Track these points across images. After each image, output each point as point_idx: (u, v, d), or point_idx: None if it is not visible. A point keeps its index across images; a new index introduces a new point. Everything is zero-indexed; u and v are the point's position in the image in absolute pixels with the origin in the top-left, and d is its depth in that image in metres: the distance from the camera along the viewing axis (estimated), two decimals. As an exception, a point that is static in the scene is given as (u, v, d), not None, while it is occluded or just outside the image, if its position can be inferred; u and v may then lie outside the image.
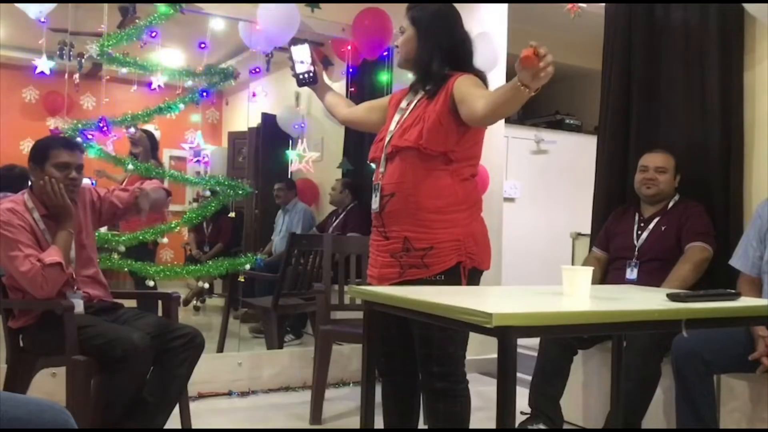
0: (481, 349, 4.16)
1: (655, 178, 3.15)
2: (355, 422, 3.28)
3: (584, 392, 3.35)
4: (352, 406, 3.68)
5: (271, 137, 5.92)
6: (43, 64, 3.73)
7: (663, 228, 3.12)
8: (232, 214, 4.47)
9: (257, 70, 4.59)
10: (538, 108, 6.03)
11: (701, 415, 2.52)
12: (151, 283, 4.01)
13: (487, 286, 2.50)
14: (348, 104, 2.58)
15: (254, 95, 5.11)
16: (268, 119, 5.96)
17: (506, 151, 5.36)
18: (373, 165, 2.35)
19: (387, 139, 2.26)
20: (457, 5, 2.30)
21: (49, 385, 3.06)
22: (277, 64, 4.35)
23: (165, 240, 4.24)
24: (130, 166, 4.25)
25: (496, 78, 4.34)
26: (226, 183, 4.36)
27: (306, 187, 5.85)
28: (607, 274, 3.26)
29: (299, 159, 4.71)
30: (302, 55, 2.49)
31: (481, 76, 2.23)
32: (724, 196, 3.14)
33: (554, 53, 1.73)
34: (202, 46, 4.11)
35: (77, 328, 2.51)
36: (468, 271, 2.16)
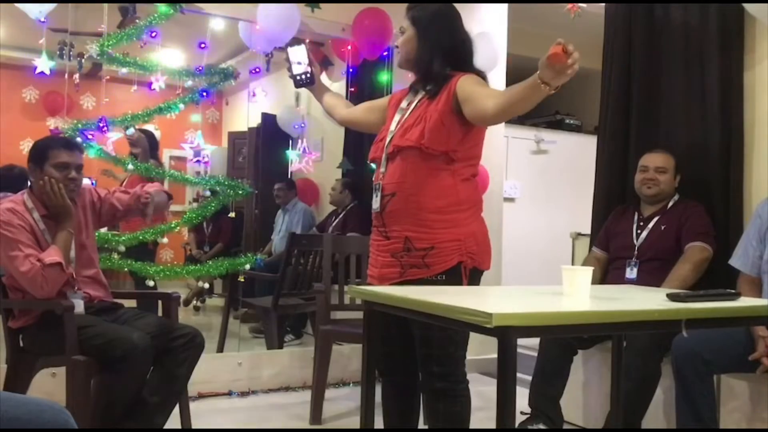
0: (481, 349, 4.16)
1: (656, 178, 3.15)
2: (355, 422, 3.28)
3: (584, 392, 3.35)
4: (352, 406, 3.68)
5: (271, 137, 5.92)
6: (43, 64, 3.73)
7: (663, 228, 3.12)
8: (232, 214, 4.47)
9: (257, 70, 4.59)
10: (538, 108, 5.97)
11: (701, 415, 2.52)
12: (151, 283, 4.01)
13: (487, 286, 2.49)
14: (346, 105, 2.58)
15: (254, 95, 5.10)
16: (268, 119, 5.96)
17: (506, 151, 5.36)
18: (373, 165, 2.35)
19: (388, 139, 2.26)
20: (457, 5, 2.30)
21: (49, 385, 3.06)
22: (277, 64, 4.35)
23: (165, 240, 4.24)
24: (130, 166, 4.25)
25: (496, 78, 4.35)
26: (226, 183, 4.36)
27: (306, 187, 5.86)
28: (607, 273, 3.26)
29: (299, 159, 4.72)
30: (299, 56, 2.49)
31: (482, 76, 2.23)
32: (724, 196, 3.14)
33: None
34: (202, 46, 4.11)
35: (77, 328, 2.51)
36: (469, 271, 2.16)
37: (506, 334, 1.44)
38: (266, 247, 5.71)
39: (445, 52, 2.22)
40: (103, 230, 3.70)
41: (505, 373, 1.46)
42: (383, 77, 4.56)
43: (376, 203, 2.25)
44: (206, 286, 5.08)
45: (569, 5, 4.28)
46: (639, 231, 3.17)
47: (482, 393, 3.37)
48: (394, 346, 2.30)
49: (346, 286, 3.56)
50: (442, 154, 2.16)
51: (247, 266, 4.39)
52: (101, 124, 3.97)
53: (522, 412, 3.01)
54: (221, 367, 3.82)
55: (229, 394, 3.79)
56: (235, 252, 5.44)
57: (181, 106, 4.23)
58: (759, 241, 2.72)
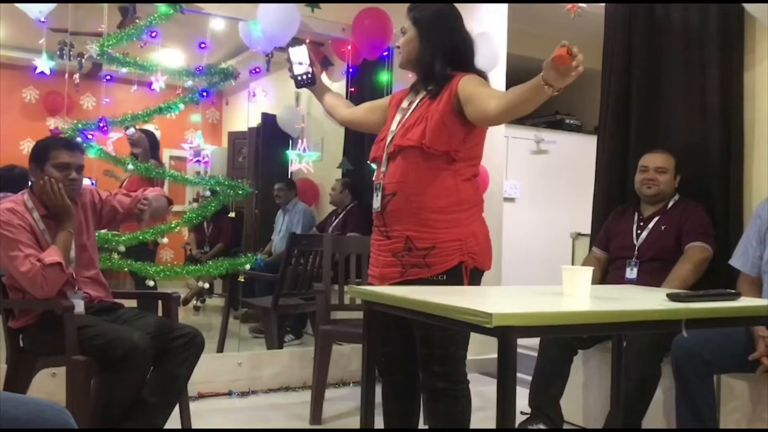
0: (481, 349, 4.16)
1: (656, 179, 3.15)
2: (355, 422, 3.28)
3: (584, 392, 3.35)
4: (352, 406, 3.68)
5: (271, 137, 5.92)
6: (43, 64, 3.73)
7: (663, 228, 3.12)
8: (232, 214, 4.47)
9: (257, 70, 4.59)
10: (538, 108, 5.99)
11: (701, 415, 2.52)
12: (151, 283, 4.02)
13: (487, 286, 2.49)
14: (347, 105, 2.58)
15: (254, 95, 5.10)
16: (268, 119, 5.96)
17: (506, 151, 5.36)
18: (373, 165, 2.35)
19: (389, 138, 2.26)
20: (457, 5, 2.30)
21: (49, 385, 3.06)
22: (277, 64, 4.35)
23: (165, 240, 4.24)
24: (130, 166, 4.25)
25: (496, 78, 4.35)
26: (226, 183, 4.36)
27: (306, 187, 5.86)
28: (607, 274, 3.26)
29: (299, 159, 4.71)
30: (300, 56, 2.49)
31: (483, 76, 2.23)
32: (724, 196, 3.14)
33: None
34: (202, 46, 4.11)
35: (77, 328, 2.51)
36: (470, 271, 2.16)
37: (506, 334, 1.44)
38: (266, 247, 5.71)
39: (446, 53, 2.22)
40: (103, 230, 3.70)
41: (505, 373, 1.46)
42: (383, 77, 4.56)
43: (376, 203, 2.25)
44: (206, 286, 5.08)
45: (569, 5, 4.28)
46: (639, 231, 3.17)
47: (482, 393, 3.37)
48: (395, 346, 2.30)
49: (346, 286, 3.56)
50: (443, 154, 2.16)
51: (247, 266, 4.39)
52: (101, 124, 3.97)
53: (522, 412, 3.01)
54: (221, 367, 3.82)
55: (229, 394, 3.79)
56: (235, 252, 5.44)
57: (181, 106, 4.23)
58: (759, 241, 2.72)
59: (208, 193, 4.65)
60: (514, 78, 4.49)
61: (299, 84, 2.53)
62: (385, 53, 4.42)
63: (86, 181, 2.91)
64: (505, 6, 4.73)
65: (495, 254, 2.32)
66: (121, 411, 2.52)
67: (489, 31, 4.42)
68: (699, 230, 3.03)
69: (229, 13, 4.09)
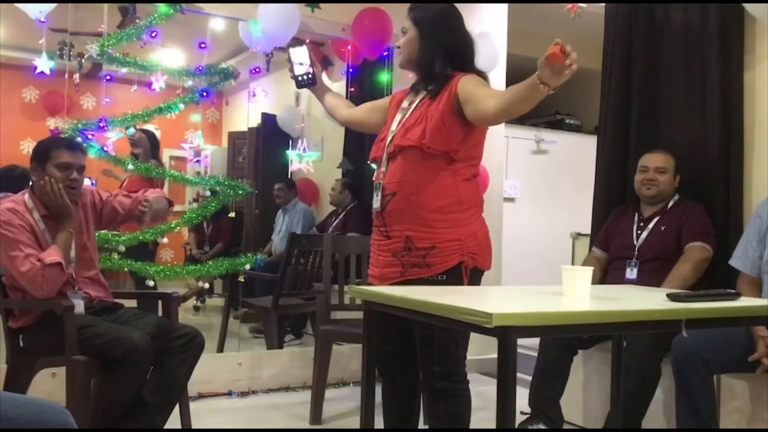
0: (481, 349, 4.16)
1: (656, 179, 3.15)
2: (355, 422, 3.28)
3: (584, 392, 3.35)
4: (352, 406, 3.68)
5: (271, 137, 5.92)
6: (43, 64, 3.73)
7: (663, 228, 3.12)
8: (232, 214, 4.47)
9: (257, 70, 4.59)
10: (538, 108, 5.97)
11: (701, 415, 2.52)
12: (151, 283, 4.02)
13: (487, 286, 2.49)
14: (348, 105, 2.58)
15: (254, 95, 5.10)
16: (268, 119, 5.95)
17: (506, 151, 5.36)
18: (374, 165, 2.35)
19: (389, 138, 2.26)
20: (457, 5, 2.30)
21: (49, 385, 3.06)
22: (277, 64, 4.35)
23: (165, 240, 4.24)
24: (130, 166, 4.25)
25: (496, 78, 4.35)
26: (226, 183, 4.36)
27: (306, 187, 5.85)
28: (607, 274, 3.26)
29: (299, 159, 4.71)
30: (301, 56, 2.49)
31: (484, 77, 2.23)
32: (724, 196, 3.14)
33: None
34: (202, 46, 4.11)
35: (77, 328, 2.51)
36: (470, 271, 2.16)
37: (506, 334, 1.44)
38: (266, 247, 5.71)
39: (446, 53, 2.22)
40: (103, 230, 3.70)
41: (505, 373, 1.46)
42: (383, 77, 4.56)
43: (376, 203, 2.25)
44: (206, 286, 5.08)
45: (569, 5, 4.28)
46: (639, 231, 3.17)
47: (482, 393, 3.36)
48: (395, 346, 2.30)
49: (346, 286, 3.56)
50: (443, 154, 2.16)
51: (247, 266, 4.39)
52: (101, 124, 3.97)
53: (522, 412, 3.01)
54: (221, 367, 3.82)
55: (229, 394, 3.79)
56: (235, 252, 5.43)
57: (181, 106, 4.23)
58: (759, 241, 2.72)
59: (208, 193, 4.66)
60: (514, 78, 4.48)
61: (300, 84, 2.52)
62: (385, 53, 4.41)
63: (86, 182, 2.91)
64: (505, 6, 4.73)
65: (495, 254, 2.32)
66: (121, 411, 2.52)
67: (489, 31, 4.42)
68: (699, 230, 3.03)
69: (229, 13, 4.09)
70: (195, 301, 6.13)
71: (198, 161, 4.70)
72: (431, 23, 2.24)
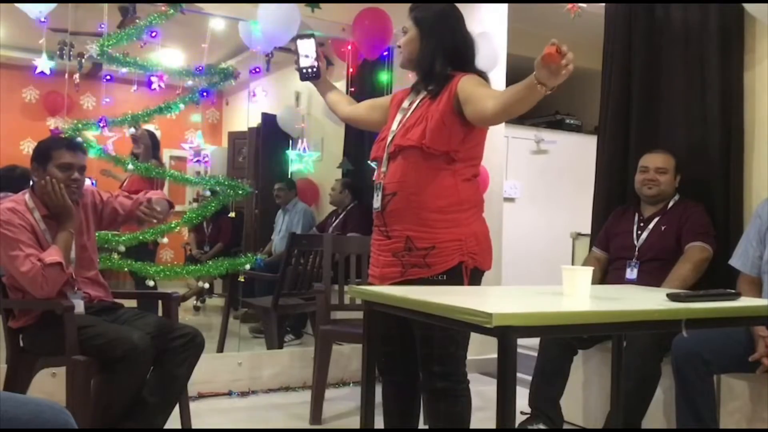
0: (481, 349, 4.16)
1: (656, 179, 3.15)
2: (355, 422, 3.28)
3: (584, 392, 3.35)
4: (352, 406, 3.68)
5: (271, 137, 5.92)
6: (43, 64, 3.73)
7: (663, 228, 3.12)
8: (232, 214, 4.48)
9: (257, 70, 4.59)
10: (538, 108, 5.96)
11: (701, 415, 2.52)
12: (151, 283, 4.02)
13: (487, 286, 2.49)
14: (349, 102, 2.59)
15: (255, 95, 5.10)
16: (268, 119, 5.96)
17: (506, 151, 5.36)
18: (374, 164, 2.35)
19: (389, 138, 2.26)
20: (457, 5, 2.30)
21: (49, 385, 3.06)
22: (277, 64, 4.36)
23: (165, 240, 4.25)
24: (130, 166, 4.25)
25: (496, 78, 4.35)
26: (226, 183, 4.36)
27: (306, 187, 5.86)
28: (607, 274, 3.26)
29: (299, 159, 4.71)
30: (308, 48, 2.48)
31: (484, 77, 2.23)
32: (724, 196, 3.14)
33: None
34: (202, 46, 4.11)
35: (77, 328, 2.51)
36: (470, 271, 2.16)
37: (506, 334, 1.44)
38: (266, 247, 5.71)
39: (447, 53, 2.22)
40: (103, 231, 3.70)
41: (505, 373, 1.46)
42: (383, 77, 4.56)
43: (377, 202, 2.25)
44: (206, 286, 5.08)
45: (569, 5, 4.28)
46: (639, 231, 3.17)
47: (482, 393, 3.36)
48: (395, 346, 2.30)
49: (346, 286, 3.56)
50: (444, 154, 2.16)
51: (247, 266, 4.39)
52: (101, 124, 3.97)
53: (522, 412, 3.01)
54: (221, 367, 3.82)
55: (229, 394, 3.79)
56: (235, 252, 5.44)
57: (181, 106, 4.23)
58: (759, 241, 2.72)
59: (208, 193, 4.66)
60: (514, 78, 4.49)
61: (304, 77, 2.51)
62: (385, 53, 4.41)
63: (87, 182, 2.91)
64: (505, 6, 4.73)
65: (495, 254, 2.32)
66: (121, 411, 2.52)
67: (489, 31, 4.42)
68: (699, 230, 3.03)
69: (229, 13, 4.09)
70: (195, 301, 6.13)
71: (198, 161, 4.69)
72: (432, 23, 2.24)
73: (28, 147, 5.93)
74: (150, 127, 4.86)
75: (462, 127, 2.16)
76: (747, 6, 2.98)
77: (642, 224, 3.19)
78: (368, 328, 1.96)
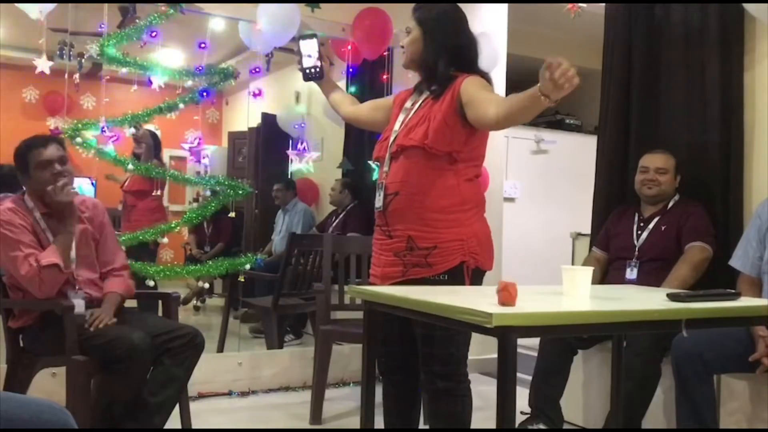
0: (481, 349, 4.15)
1: (656, 179, 3.15)
2: (355, 422, 3.28)
3: (584, 392, 3.35)
4: (352, 406, 3.68)
5: (271, 137, 5.92)
6: (43, 64, 3.73)
7: (663, 228, 3.11)
8: (232, 214, 4.47)
9: (257, 70, 4.60)
10: (538, 108, 6.02)
11: (701, 415, 2.52)
12: (151, 283, 4.02)
13: (487, 286, 2.49)
14: (352, 102, 2.59)
15: (254, 95, 5.11)
16: (268, 119, 5.96)
17: (506, 151, 5.36)
18: (375, 164, 2.35)
19: (391, 138, 2.26)
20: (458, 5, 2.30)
21: (49, 385, 3.06)
22: (277, 64, 4.36)
23: (165, 240, 4.25)
24: (131, 166, 4.25)
25: (496, 78, 4.34)
26: (226, 183, 4.36)
27: (306, 187, 5.86)
28: (607, 274, 3.26)
29: (299, 159, 4.71)
30: (310, 48, 2.47)
31: (487, 78, 2.23)
32: (724, 196, 3.14)
33: (554, 53, 1.73)
34: (202, 46, 4.11)
35: (77, 328, 2.51)
36: (471, 271, 2.17)
37: (506, 334, 1.44)
38: (266, 247, 5.71)
39: (450, 53, 2.22)
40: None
41: (505, 373, 1.46)
42: (383, 77, 4.56)
43: (379, 202, 2.26)
44: (206, 286, 5.08)
45: (569, 5, 4.28)
46: (639, 231, 3.17)
47: (482, 393, 3.35)
48: (395, 345, 2.30)
49: (346, 286, 3.56)
50: (446, 155, 2.16)
51: (247, 266, 4.39)
52: (101, 124, 3.97)
53: (522, 412, 3.01)
54: (221, 367, 3.82)
55: (229, 394, 3.79)
56: (235, 252, 5.44)
57: (181, 106, 4.23)
58: (759, 241, 2.72)
59: (208, 193, 4.66)
60: (514, 78, 4.50)
61: (307, 77, 2.50)
62: (385, 53, 4.41)
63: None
64: (505, 6, 4.73)
65: (495, 254, 2.32)
66: (121, 411, 2.53)
67: (489, 31, 4.42)
68: (699, 230, 3.03)
69: (229, 13, 4.09)
70: (195, 301, 6.13)
71: (198, 161, 4.69)
72: (435, 23, 2.23)
73: (28, 147, 5.91)
74: (150, 127, 4.86)
75: (464, 128, 2.16)
76: (747, 6, 2.98)
77: (642, 224, 3.19)
78: (368, 328, 1.96)
